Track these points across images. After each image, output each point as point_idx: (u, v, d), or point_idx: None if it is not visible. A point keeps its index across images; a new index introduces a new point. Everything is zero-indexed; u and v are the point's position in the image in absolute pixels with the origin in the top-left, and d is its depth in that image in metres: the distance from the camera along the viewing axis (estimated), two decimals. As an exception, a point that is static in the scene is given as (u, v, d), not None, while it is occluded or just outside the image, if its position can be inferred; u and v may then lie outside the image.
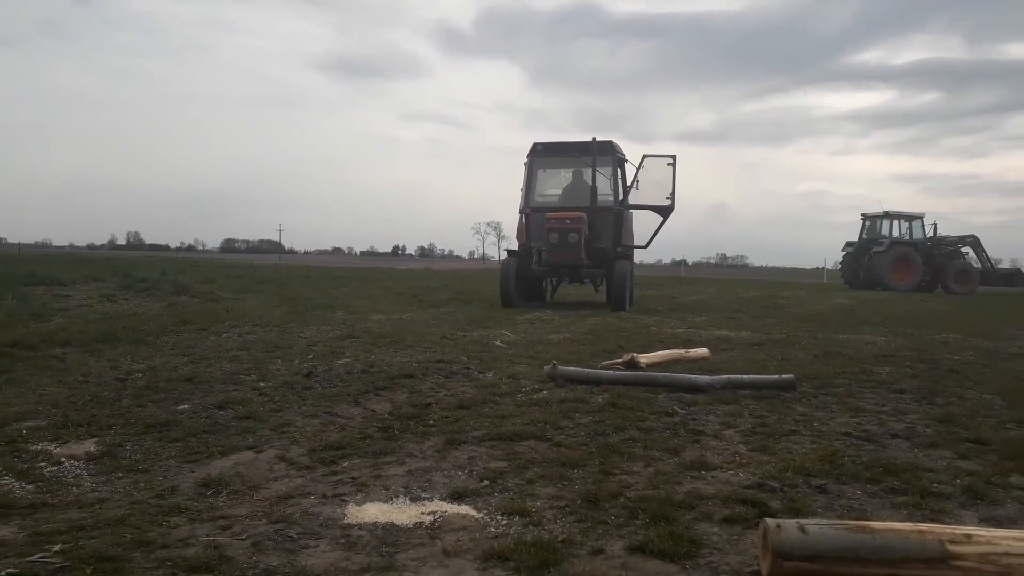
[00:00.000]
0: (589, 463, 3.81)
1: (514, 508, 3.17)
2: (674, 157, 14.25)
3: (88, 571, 2.49)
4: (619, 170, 14.76)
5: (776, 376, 5.81)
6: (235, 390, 5.43)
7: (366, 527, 2.99)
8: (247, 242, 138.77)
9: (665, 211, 14.38)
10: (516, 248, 14.88)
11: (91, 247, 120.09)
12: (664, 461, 3.89)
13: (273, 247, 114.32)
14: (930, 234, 28.16)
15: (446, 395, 5.45)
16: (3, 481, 3.48)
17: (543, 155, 15.05)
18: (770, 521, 2.53)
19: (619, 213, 14.42)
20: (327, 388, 5.55)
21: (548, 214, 13.76)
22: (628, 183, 14.59)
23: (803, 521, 2.55)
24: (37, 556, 2.59)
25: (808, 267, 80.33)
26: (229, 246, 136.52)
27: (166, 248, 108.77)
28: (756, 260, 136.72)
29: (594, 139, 13.85)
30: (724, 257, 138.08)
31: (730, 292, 21.99)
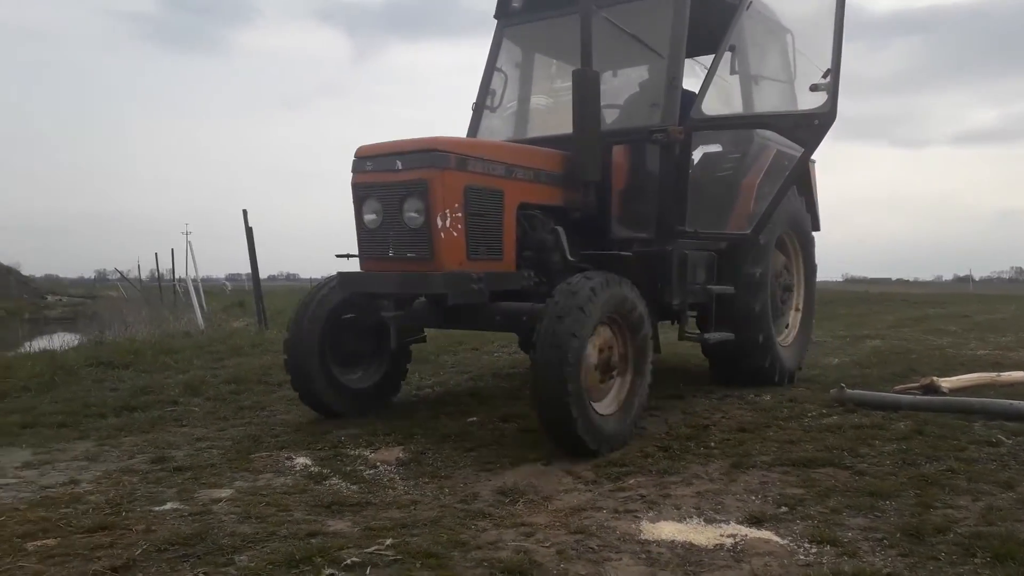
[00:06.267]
0: (902, 494, 3.45)
1: (823, 536, 2.95)
2: None
3: (417, 565, 2.71)
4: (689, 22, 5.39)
5: None
6: (515, 405, 5.69)
7: (664, 544, 2.96)
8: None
9: (813, 127, 4.98)
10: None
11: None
12: (996, 496, 3.41)
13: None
14: None
15: (722, 417, 5.25)
16: (333, 481, 3.94)
17: (520, 18, 6.12)
18: None
19: (677, 145, 5.17)
20: (601, 406, 5.60)
21: (359, 150, 4.84)
22: (721, 57, 5.26)
23: None
24: (372, 548, 2.88)
25: None
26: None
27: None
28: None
29: None
30: (1020, 271, 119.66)
31: (1036, 309, 18.96)
